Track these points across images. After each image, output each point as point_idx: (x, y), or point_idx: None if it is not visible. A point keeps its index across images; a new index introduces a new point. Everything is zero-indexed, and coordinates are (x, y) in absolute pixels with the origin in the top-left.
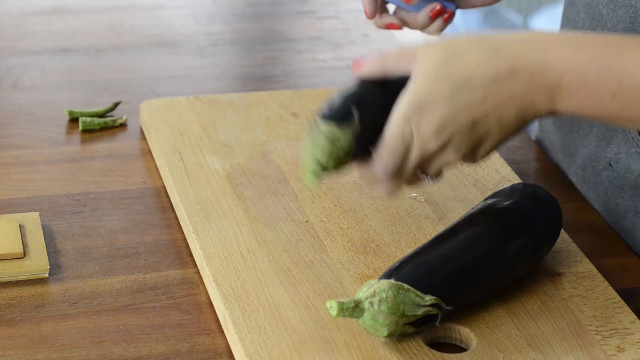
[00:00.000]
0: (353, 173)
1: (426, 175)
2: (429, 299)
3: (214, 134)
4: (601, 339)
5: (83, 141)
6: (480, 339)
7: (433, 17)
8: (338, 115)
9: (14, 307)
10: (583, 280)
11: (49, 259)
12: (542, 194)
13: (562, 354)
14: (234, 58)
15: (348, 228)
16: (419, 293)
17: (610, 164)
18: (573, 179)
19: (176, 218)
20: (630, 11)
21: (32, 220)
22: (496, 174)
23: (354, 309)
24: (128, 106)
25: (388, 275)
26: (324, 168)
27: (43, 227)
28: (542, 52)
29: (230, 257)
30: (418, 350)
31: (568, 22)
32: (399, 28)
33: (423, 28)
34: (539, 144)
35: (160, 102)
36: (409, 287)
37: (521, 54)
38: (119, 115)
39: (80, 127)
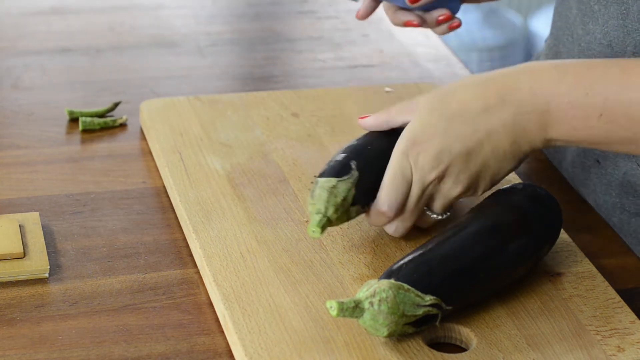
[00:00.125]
0: None
1: (433, 212)
2: (429, 299)
3: (214, 134)
4: (601, 339)
5: (83, 141)
6: (480, 339)
7: (440, 23)
8: (335, 167)
9: (14, 307)
10: (583, 280)
11: (49, 259)
12: (542, 194)
13: (562, 354)
14: (234, 58)
15: (348, 228)
16: (419, 293)
17: (598, 161)
18: (565, 175)
19: (176, 218)
20: (622, 8)
21: (32, 220)
22: None
23: (354, 309)
24: (128, 106)
25: (388, 275)
26: (328, 218)
27: (43, 227)
28: (529, 80)
29: (230, 257)
30: (418, 350)
31: (560, 18)
32: (419, 25)
33: (429, 27)
34: None
35: (160, 102)
36: (409, 287)
37: (509, 84)
38: (119, 115)
39: (80, 127)
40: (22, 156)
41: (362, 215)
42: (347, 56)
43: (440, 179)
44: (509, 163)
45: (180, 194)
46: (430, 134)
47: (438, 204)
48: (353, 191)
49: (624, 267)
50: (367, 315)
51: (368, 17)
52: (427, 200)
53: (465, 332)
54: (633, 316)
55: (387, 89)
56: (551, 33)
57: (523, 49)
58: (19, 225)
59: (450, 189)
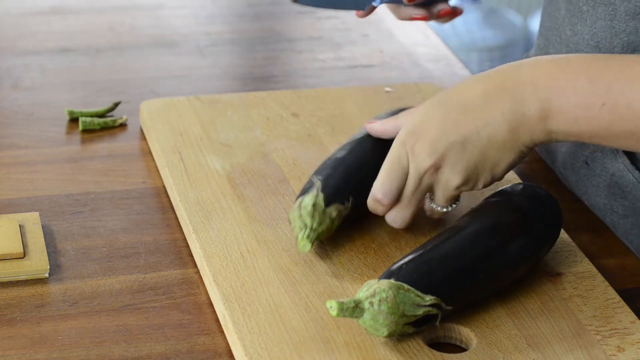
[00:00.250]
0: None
1: (436, 203)
2: (429, 299)
3: (214, 134)
4: (601, 339)
5: (83, 141)
6: (480, 339)
7: (441, 16)
8: (301, 190)
9: (14, 307)
10: (583, 280)
11: (49, 259)
12: (542, 194)
13: (562, 354)
14: (234, 58)
15: (348, 228)
16: (419, 293)
17: (586, 163)
18: (559, 177)
19: (176, 218)
20: (610, 9)
21: (32, 220)
22: None
23: (354, 309)
24: (128, 106)
25: (388, 275)
26: (310, 228)
27: (43, 227)
28: (530, 71)
29: (230, 257)
30: (418, 350)
31: (549, 19)
32: (426, 19)
33: (432, 19)
34: None
35: (160, 102)
36: (409, 287)
37: (510, 75)
38: (119, 115)
39: (80, 127)
40: (22, 156)
41: (363, 215)
42: (347, 56)
43: (436, 167)
44: (509, 154)
45: (180, 194)
46: (429, 125)
47: (439, 195)
48: (320, 195)
49: (624, 267)
50: (367, 315)
51: (368, 15)
52: (425, 190)
53: (465, 332)
54: (633, 316)
55: (387, 89)
56: (541, 34)
57: (523, 49)
58: (19, 225)
59: (448, 179)
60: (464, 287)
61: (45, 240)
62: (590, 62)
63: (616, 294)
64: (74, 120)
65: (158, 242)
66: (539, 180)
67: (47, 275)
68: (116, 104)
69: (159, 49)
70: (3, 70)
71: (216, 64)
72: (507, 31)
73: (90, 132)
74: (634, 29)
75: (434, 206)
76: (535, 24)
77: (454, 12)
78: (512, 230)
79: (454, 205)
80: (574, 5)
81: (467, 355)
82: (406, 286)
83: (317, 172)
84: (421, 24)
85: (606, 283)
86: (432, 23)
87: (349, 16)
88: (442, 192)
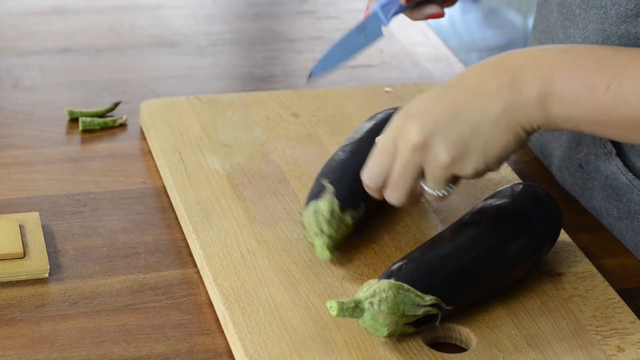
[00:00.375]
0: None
1: (428, 186)
2: (429, 299)
3: (214, 134)
4: (601, 339)
5: (83, 141)
6: (480, 339)
7: (431, 18)
8: (311, 194)
9: (14, 307)
10: (583, 280)
11: (49, 259)
12: (542, 194)
13: (562, 354)
14: (234, 58)
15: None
16: (419, 293)
17: (581, 166)
18: (556, 179)
19: (176, 218)
20: (601, 12)
21: (32, 220)
22: (496, 174)
23: (354, 309)
24: (128, 106)
25: (388, 275)
26: (327, 236)
27: (43, 227)
28: (533, 53)
29: (230, 257)
30: (418, 350)
31: (542, 22)
32: (442, 15)
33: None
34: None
35: (160, 102)
36: (409, 287)
37: (511, 56)
38: (119, 115)
39: (80, 127)
40: (22, 156)
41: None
42: None
43: (425, 144)
44: (503, 133)
45: (180, 194)
46: (422, 105)
47: (429, 175)
48: (335, 201)
49: (624, 267)
50: (367, 315)
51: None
52: (414, 169)
53: (465, 332)
54: (633, 316)
55: (387, 89)
56: (534, 37)
57: None
58: (19, 225)
59: (437, 155)
60: (464, 287)
61: (45, 240)
62: (597, 49)
63: (616, 294)
64: (74, 120)
65: (158, 242)
66: (539, 180)
67: (47, 275)
68: (116, 104)
69: (159, 49)
70: (3, 70)
71: (216, 64)
72: (507, 31)
73: (90, 132)
74: (625, 32)
75: (427, 189)
76: None
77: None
78: (512, 230)
79: (449, 190)
80: (566, 8)
81: (467, 355)
82: (406, 286)
83: (323, 175)
84: (421, 23)
85: (606, 283)
86: (432, 23)
87: (349, 16)
88: (432, 171)
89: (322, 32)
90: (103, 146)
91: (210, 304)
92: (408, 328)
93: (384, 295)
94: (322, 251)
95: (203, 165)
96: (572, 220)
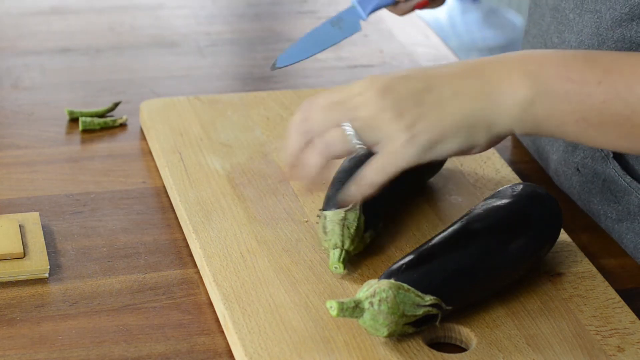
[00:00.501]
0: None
1: (359, 138)
2: (429, 299)
3: (214, 134)
4: (601, 339)
5: (83, 141)
6: (480, 339)
7: (418, 8)
8: (329, 201)
9: (14, 307)
10: (583, 280)
11: (49, 259)
12: (542, 194)
13: (562, 354)
14: (234, 58)
15: None
16: (419, 293)
17: (578, 169)
18: (554, 182)
19: (176, 218)
20: (596, 16)
21: (32, 220)
22: (496, 174)
23: (354, 309)
24: (128, 106)
25: (388, 275)
26: (346, 251)
27: (43, 227)
28: (519, 52)
29: (230, 257)
30: (418, 350)
31: (534, 26)
32: (428, 3)
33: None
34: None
35: (160, 102)
36: (409, 287)
37: (496, 56)
38: (119, 115)
39: (80, 127)
40: (22, 156)
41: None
42: (347, 56)
43: (377, 98)
44: (467, 100)
45: (180, 194)
46: (391, 75)
47: (364, 129)
48: (362, 217)
49: (624, 267)
50: (367, 315)
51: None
52: (347, 113)
53: (465, 332)
54: (633, 316)
55: None
56: (527, 41)
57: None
58: (19, 225)
59: (376, 103)
60: (464, 287)
61: (45, 240)
62: (587, 51)
63: (616, 294)
64: (74, 120)
65: (158, 242)
66: (539, 181)
67: (47, 275)
68: (116, 104)
69: (159, 49)
70: (3, 70)
71: (216, 64)
72: (507, 31)
73: (90, 132)
74: (620, 36)
75: (347, 130)
76: None
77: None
78: (512, 230)
79: (362, 148)
80: (560, 13)
81: (467, 355)
82: (406, 286)
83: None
84: (421, 23)
85: (606, 283)
86: (432, 23)
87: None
88: (368, 114)
89: None
90: (103, 146)
91: (210, 304)
92: (408, 328)
93: (384, 295)
94: (337, 264)
95: (203, 165)
96: (572, 220)
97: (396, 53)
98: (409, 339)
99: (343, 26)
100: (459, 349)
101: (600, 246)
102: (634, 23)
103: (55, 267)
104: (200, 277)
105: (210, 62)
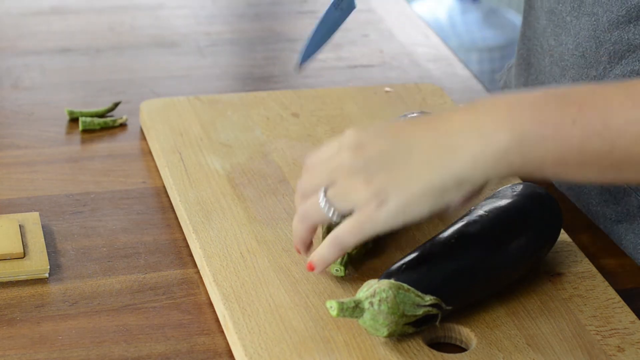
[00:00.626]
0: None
1: (332, 207)
2: (429, 299)
3: (214, 134)
4: (601, 339)
5: (83, 141)
6: (480, 339)
7: None
8: None
9: (14, 307)
10: (583, 280)
11: (49, 259)
12: (542, 194)
13: (562, 354)
14: (234, 58)
15: None
16: (419, 293)
17: None
18: (554, 183)
19: (176, 218)
20: (593, 19)
21: (32, 220)
22: None
23: (354, 309)
24: (128, 106)
25: (388, 275)
26: (349, 255)
27: (43, 227)
28: (488, 99)
29: (230, 257)
30: (418, 350)
31: (529, 28)
32: None
33: None
34: None
35: (160, 102)
36: (409, 287)
37: (469, 104)
38: (119, 115)
39: (80, 127)
40: (22, 156)
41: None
42: (347, 56)
43: (353, 160)
44: (436, 166)
45: (180, 194)
46: (378, 126)
47: (338, 194)
48: None
49: (624, 267)
50: (367, 315)
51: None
52: (331, 188)
53: (465, 332)
54: (633, 316)
55: (387, 89)
56: (523, 43)
57: None
58: (19, 225)
59: (358, 179)
60: (464, 287)
61: (45, 240)
62: (556, 89)
63: (616, 294)
64: (74, 120)
65: (158, 242)
66: (538, 181)
67: (47, 275)
68: (116, 104)
69: (159, 49)
70: (3, 70)
71: (216, 64)
72: (507, 31)
73: (90, 132)
74: (618, 38)
75: (322, 201)
76: None
77: None
78: (512, 230)
79: (338, 219)
80: (556, 15)
81: (467, 355)
82: (406, 286)
83: None
84: (421, 23)
85: (606, 283)
86: (432, 23)
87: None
88: (345, 192)
89: None
90: (103, 146)
91: (210, 304)
92: (408, 328)
93: (384, 295)
94: (337, 267)
95: (203, 165)
96: (572, 220)
97: (396, 53)
98: (409, 339)
99: (343, 7)
100: (459, 349)
101: (600, 246)
102: (631, 25)
103: (55, 267)
104: (200, 277)
105: (210, 62)
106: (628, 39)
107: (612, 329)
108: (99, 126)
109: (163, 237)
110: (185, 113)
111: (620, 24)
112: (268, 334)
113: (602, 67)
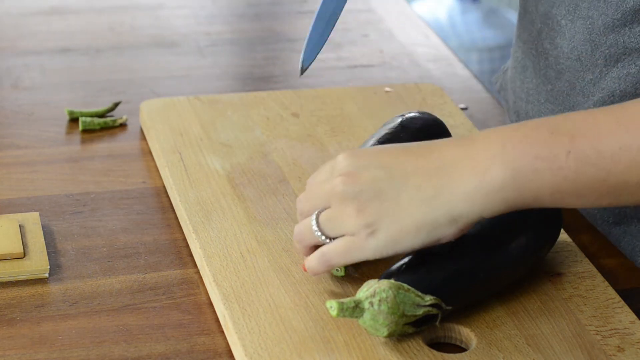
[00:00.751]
0: None
1: (325, 235)
2: (429, 299)
3: (214, 134)
4: (601, 339)
5: (83, 141)
6: (480, 339)
7: None
8: None
9: (14, 307)
10: (583, 280)
11: (49, 259)
12: None
13: (562, 354)
14: (234, 58)
15: None
16: (419, 293)
17: None
18: None
19: (176, 218)
20: (588, 22)
21: (32, 220)
22: None
23: (354, 309)
24: (128, 106)
25: (388, 275)
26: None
27: (43, 227)
28: (481, 133)
29: (230, 257)
30: (418, 350)
31: (524, 31)
32: None
33: None
34: None
35: (160, 102)
36: (409, 287)
37: (463, 139)
38: (119, 115)
39: (80, 127)
40: (22, 156)
41: None
42: (347, 56)
43: (346, 185)
44: (428, 203)
45: (180, 194)
46: (375, 149)
47: (329, 222)
48: None
49: (624, 267)
50: (367, 315)
51: None
52: (324, 199)
53: (465, 332)
54: (633, 316)
55: (387, 89)
56: (518, 46)
57: None
58: (19, 225)
59: (351, 206)
60: (464, 287)
61: (45, 240)
62: (546, 120)
63: (616, 294)
64: (74, 120)
65: (158, 242)
66: None
67: (47, 275)
68: (116, 104)
69: (159, 49)
70: (3, 70)
71: (216, 64)
72: (507, 31)
73: (90, 132)
74: (613, 41)
75: (314, 228)
76: None
77: None
78: (512, 230)
79: (325, 241)
80: (551, 19)
81: (467, 355)
82: (406, 286)
83: None
84: (421, 23)
85: (606, 283)
86: (432, 23)
87: (349, 16)
88: (336, 221)
89: None
90: (103, 146)
91: (210, 304)
92: (408, 328)
93: (384, 295)
94: (339, 267)
95: (203, 165)
96: (572, 220)
97: (396, 53)
98: (409, 339)
99: None
100: (459, 349)
101: (600, 246)
102: (627, 28)
103: (55, 267)
104: (200, 277)
105: (210, 62)
106: (624, 42)
107: (612, 329)
108: (99, 126)
109: (163, 237)
110: (185, 113)
111: (616, 27)
112: (268, 334)
113: (598, 71)
